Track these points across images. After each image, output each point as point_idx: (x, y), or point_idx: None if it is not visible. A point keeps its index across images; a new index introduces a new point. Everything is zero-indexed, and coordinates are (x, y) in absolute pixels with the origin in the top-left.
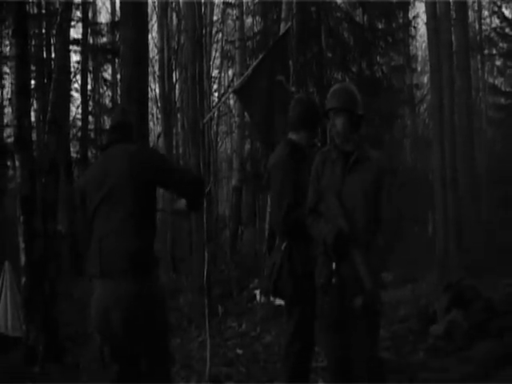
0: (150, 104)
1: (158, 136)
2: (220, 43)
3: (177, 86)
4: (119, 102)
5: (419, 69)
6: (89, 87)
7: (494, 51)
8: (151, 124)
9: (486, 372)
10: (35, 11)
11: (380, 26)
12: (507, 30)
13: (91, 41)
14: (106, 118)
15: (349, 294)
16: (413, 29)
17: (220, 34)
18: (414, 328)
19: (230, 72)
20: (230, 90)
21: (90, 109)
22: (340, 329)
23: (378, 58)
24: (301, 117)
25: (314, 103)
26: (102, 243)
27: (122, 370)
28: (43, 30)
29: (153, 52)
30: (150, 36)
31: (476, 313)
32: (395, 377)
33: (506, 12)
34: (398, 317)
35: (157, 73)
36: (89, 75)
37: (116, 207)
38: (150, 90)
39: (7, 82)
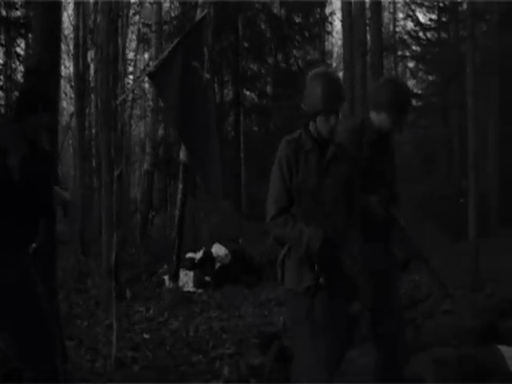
0: (63, 83)
1: (71, 116)
2: (137, 26)
3: (91, 66)
4: (26, 78)
5: (334, 65)
6: (0, 61)
7: (407, 53)
8: (64, 103)
9: None
10: None
11: (297, 20)
12: (420, 33)
13: (4, 14)
14: (17, 93)
15: (339, 295)
16: (329, 25)
17: (137, 17)
18: None
19: (146, 55)
20: (144, 73)
21: (1, 84)
22: (332, 333)
23: (294, 51)
24: (389, 97)
25: (408, 88)
26: None
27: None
28: None
29: (68, 29)
30: (65, 14)
31: None
32: None
33: (420, 16)
34: None
35: (71, 51)
36: (1, 49)
37: None
38: (63, 67)
39: None
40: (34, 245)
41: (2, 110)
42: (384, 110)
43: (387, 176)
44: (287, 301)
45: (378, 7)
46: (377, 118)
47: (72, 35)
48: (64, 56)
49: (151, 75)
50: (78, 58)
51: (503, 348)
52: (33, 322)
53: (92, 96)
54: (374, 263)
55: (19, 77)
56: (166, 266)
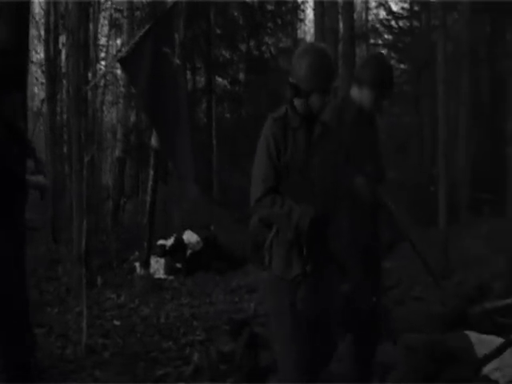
0: (34, 68)
1: (42, 101)
2: (109, 11)
3: (63, 51)
4: None
5: None
6: None
7: (380, 42)
8: (35, 89)
9: None
10: None
11: (270, 8)
12: (393, 22)
13: None
14: None
15: (326, 283)
16: (301, 12)
17: (109, 2)
18: None
19: (119, 41)
20: (115, 58)
21: None
22: (317, 325)
23: (266, 38)
24: (372, 73)
25: (391, 66)
26: None
27: None
28: None
29: (39, 15)
30: None
31: None
32: (270, 353)
33: (392, 5)
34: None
35: (42, 36)
36: None
37: None
38: (34, 53)
39: None
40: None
41: None
42: (366, 86)
43: (372, 156)
44: (271, 287)
45: None
46: (358, 93)
47: (43, 20)
48: (35, 41)
49: (122, 61)
50: (49, 43)
51: (472, 334)
52: (5, 308)
53: (64, 81)
54: (361, 245)
55: None
56: (137, 253)
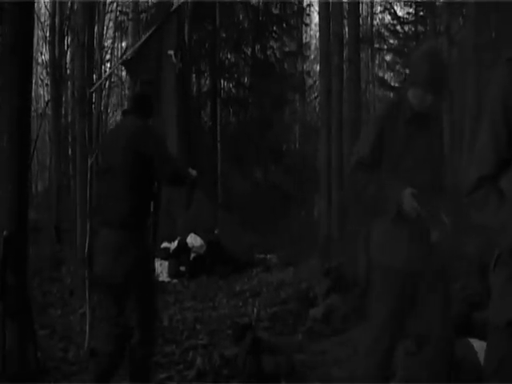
0: (39, 69)
1: (47, 103)
2: (114, 13)
3: (68, 53)
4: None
5: (312, 56)
6: None
7: (385, 46)
8: (40, 90)
9: None
10: None
11: (275, 11)
12: (398, 27)
13: None
14: None
15: None
16: (307, 16)
17: (115, 4)
18: (294, 310)
19: (124, 44)
20: (120, 60)
21: None
22: None
23: (271, 42)
24: (426, 72)
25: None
26: (102, 201)
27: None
28: None
29: (45, 16)
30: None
31: (353, 297)
32: (273, 358)
33: (398, 10)
34: (279, 299)
35: (48, 38)
36: None
37: (112, 175)
38: (40, 54)
39: None
40: (5, 232)
41: None
42: (415, 84)
43: (425, 163)
44: (493, 333)
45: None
46: (410, 92)
47: (48, 21)
48: (41, 42)
49: (126, 63)
50: (54, 44)
51: (475, 342)
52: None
53: (68, 83)
54: None
55: None
56: None
